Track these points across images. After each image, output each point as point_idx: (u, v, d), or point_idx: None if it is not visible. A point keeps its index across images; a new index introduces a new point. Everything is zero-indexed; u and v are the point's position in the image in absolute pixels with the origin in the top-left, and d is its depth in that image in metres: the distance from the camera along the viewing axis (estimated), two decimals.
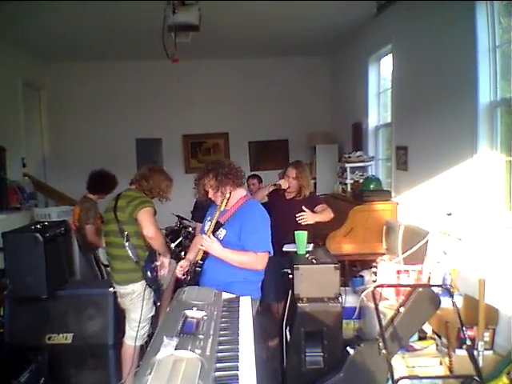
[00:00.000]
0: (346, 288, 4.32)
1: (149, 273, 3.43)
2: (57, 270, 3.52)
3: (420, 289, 3.18)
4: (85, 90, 8.05)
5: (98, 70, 8.04)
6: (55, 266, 3.49)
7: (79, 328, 3.48)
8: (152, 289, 3.49)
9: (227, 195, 3.02)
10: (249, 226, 2.97)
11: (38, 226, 3.51)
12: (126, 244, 3.39)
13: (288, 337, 3.40)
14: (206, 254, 3.03)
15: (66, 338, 3.46)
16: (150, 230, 3.36)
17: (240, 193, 3.14)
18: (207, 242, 2.94)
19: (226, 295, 2.69)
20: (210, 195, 3.07)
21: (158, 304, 3.62)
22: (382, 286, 3.54)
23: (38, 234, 3.32)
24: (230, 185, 3.03)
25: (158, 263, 3.54)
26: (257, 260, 2.95)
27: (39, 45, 6.82)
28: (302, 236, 3.62)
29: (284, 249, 3.65)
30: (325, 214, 4.18)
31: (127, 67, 8.06)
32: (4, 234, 3.39)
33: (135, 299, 3.46)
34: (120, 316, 3.58)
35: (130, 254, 3.41)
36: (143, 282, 3.44)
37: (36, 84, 7.61)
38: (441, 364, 3.38)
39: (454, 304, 3.05)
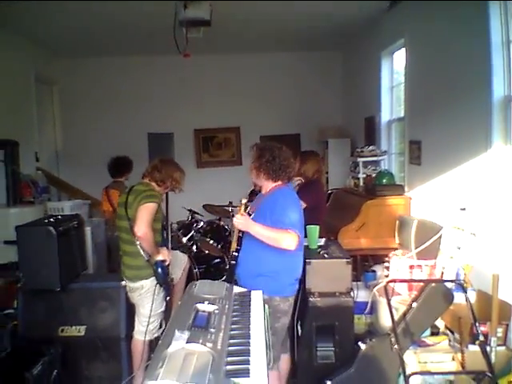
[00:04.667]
0: (358, 283, 4.30)
1: (160, 269, 3.39)
2: (69, 263, 3.56)
3: (433, 284, 3.17)
4: (97, 85, 8.07)
5: (109, 65, 8.06)
6: (68, 259, 3.52)
7: (92, 321, 3.52)
8: (162, 287, 3.47)
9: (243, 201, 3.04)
10: (277, 208, 2.90)
11: (51, 220, 3.54)
12: (138, 242, 3.38)
13: (299, 331, 3.40)
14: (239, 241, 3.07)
15: (78, 331, 3.49)
16: (140, 229, 3.27)
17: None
18: (238, 220, 2.91)
19: (237, 289, 2.69)
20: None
21: (168, 298, 3.59)
22: (394, 280, 3.54)
23: (51, 228, 3.35)
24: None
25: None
26: (287, 236, 2.79)
27: (52, 40, 6.83)
28: (313, 230, 3.61)
29: None
30: None
31: (139, 62, 8.05)
32: (17, 227, 3.42)
33: (144, 294, 3.46)
34: (132, 309, 3.59)
35: (141, 252, 3.39)
36: (153, 279, 3.43)
37: (49, 79, 7.64)
38: (453, 360, 3.35)
39: (467, 299, 3.03)
